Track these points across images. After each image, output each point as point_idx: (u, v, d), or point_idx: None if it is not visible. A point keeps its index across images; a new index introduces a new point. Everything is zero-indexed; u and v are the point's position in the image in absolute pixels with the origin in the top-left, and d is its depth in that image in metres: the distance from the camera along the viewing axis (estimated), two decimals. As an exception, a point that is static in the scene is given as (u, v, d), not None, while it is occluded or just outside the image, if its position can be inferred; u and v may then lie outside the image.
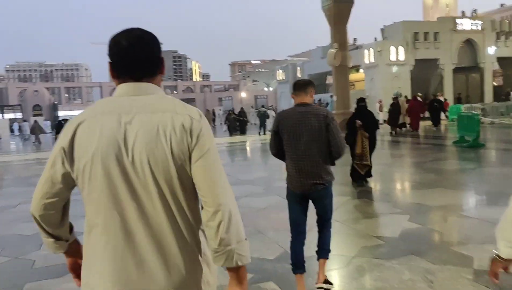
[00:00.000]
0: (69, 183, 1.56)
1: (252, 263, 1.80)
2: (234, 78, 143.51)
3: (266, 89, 78.08)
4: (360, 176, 8.79)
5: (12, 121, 54.46)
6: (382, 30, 34.75)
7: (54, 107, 62.17)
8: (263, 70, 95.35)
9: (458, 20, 34.30)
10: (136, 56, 1.57)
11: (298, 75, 43.36)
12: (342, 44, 23.67)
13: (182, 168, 1.50)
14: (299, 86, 3.60)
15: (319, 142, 3.42)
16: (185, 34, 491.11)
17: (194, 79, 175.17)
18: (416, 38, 32.39)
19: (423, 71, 32.48)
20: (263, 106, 30.64)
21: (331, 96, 36.46)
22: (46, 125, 42.66)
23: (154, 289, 1.47)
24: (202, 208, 1.53)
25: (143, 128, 1.48)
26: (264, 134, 26.70)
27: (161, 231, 1.49)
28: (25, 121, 51.21)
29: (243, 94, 65.86)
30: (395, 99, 22.01)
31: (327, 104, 28.73)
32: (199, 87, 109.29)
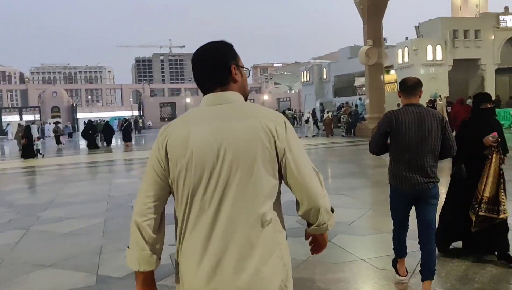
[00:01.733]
0: (167, 188, 1.68)
1: None
2: (256, 80, 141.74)
3: (288, 91, 75.89)
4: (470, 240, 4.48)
5: (30, 122, 53.59)
6: (417, 27, 32.07)
7: (73, 109, 61.36)
8: (286, 72, 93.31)
9: (501, 17, 31.36)
10: (203, 68, 1.73)
11: (324, 76, 40.96)
12: (377, 40, 21.27)
13: (270, 171, 1.62)
14: (410, 87, 3.56)
15: (434, 143, 3.46)
16: (207, 38, 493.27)
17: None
18: (455, 36, 29.67)
19: (463, 72, 29.76)
20: (289, 109, 28.41)
21: (360, 99, 34.15)
22: (68, 128, 41.18)
23: (235, 287, 1.57)
24: (297, 204, 1.70)
25: (232, 134, 1.60)
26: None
27: (247, 233, 1.59)
28: (44, 123, 50.11)
29: (265, 97, 63.72)
30: (432, 102, 19.38)
31: (356, 106, 26.23)
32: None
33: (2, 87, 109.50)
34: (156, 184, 1.66)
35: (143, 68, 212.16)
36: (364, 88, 40.93)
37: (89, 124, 23.15)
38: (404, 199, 3.61)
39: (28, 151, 18.00)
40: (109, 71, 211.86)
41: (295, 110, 34.32)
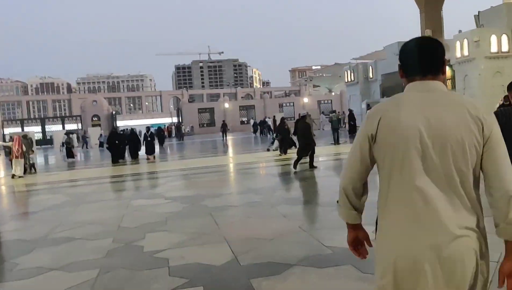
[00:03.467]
0: (372, 162, 1.87)
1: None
2: (294, 84, 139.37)
3: (329, 93, 73.05)
4: None
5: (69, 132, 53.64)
6: (476, 16, 28.70)
7: (113, 117, 61.31)
8: (325, 74, 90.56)
9: None
10: (424, 55, 1.83)
11: (370, 75, 38.06)
12: (437, 30, 18.68)
13: (473, 155, 1.72)
14: None
15: None
16: (246, 42, 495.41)
17: (254, 87, 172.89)
18: (524, 23, 26.14)
19: (532, 64, 26.14)
20: (333, 111, 25.93)
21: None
22: (102, 137, 40.64)
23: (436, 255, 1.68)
24: (488, 194, 1.75)
25: (441, 119, 1.72)
26: (338, 143, 22.13)
27: (446, 209, 1.70)
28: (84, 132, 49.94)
29: (305, 100, 61.21)
30: (507, 98, 16.38)
31: None
32: (258, 93, 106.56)
33: (47, 97, 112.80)
34: (362, 159, 1.86)
35: (183, 75, 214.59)
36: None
37: (114, 134, 20.29)
38: None
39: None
40: (150, 79, 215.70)
41: (339, 112, 31.78)
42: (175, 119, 65.67)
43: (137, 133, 23.29)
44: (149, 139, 19.61)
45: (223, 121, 42.10)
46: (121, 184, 13.20)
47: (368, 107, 35.90)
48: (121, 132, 25.24)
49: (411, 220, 1.71)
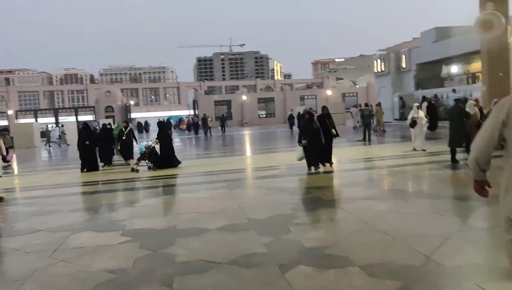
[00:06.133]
0: (497, 141, 2.58)
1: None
2: (316, 76, 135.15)
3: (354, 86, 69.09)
4: None
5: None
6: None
7: (127, 108, 58.92)
8: (348, 67, 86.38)
9: None
10: None
11: (403, 65, 34.11)
12: (502, 5, 14.83)
13: None
14: None
15: None
16: (267, 34, 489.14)
17: (274, 79, 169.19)
18: None
19: None
20: (366, 105, 22.36)
21: (454, 91, 27.22)
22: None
23: None
24: None
25: None
26: (368, 141, 18.78)
27: None
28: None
29: (329, 92, 57.38)
30: None
31: (459, 99, 19.09)
32: (279, 86, 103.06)
33: (64, 88, 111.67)
34: (492, 139, 2.57)
35: (204, 68, 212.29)
36: (454, 79, 33.86)
37: (84, 131, 14.71)
38: None
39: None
40: (172, 71, 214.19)
41: (370, 105, 28.04)
42: (192, 112, 62.84)
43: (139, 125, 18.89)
44: (124, 138, 15.09)
45: (204, 114, 38.49)
46: (78, 198, 10.09)
47: (401, 100, 32.02)
48: (97, 128, 20.57)
49: None
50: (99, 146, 15.00)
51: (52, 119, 54.87)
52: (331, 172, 10.69)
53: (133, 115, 64.50)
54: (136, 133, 18.99)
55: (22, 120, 53.78)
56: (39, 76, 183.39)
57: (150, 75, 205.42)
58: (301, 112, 18.94)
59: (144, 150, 13.34)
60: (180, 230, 6.09)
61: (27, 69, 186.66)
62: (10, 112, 54.18)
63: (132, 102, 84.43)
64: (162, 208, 7.54)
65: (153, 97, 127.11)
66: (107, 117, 54.17)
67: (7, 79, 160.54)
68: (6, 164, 17.86)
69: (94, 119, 55.08)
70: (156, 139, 13.68)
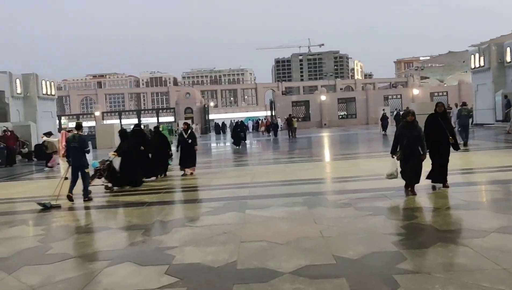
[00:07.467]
0: None
1: None
2: (399, 75, 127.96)
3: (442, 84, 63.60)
4: None
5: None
6: None
7: (205, 110, 59.30)
8: (434, 65, 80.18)
9: None
10: None
11: (507, 59, 29.86)
12: None
13: None
14: None
15: None
16: (347, 33, 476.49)
17: (355, 79, 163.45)
18: None
19: None
20: (463, 104, 19.39)
21: None
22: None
23: None
24: None
25: None
26: (465, 144, 16.04)
27: None
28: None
29: (415, 91, 53.14)
30: None
31: None
32: (360, 85, 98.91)
33: (147, 90, 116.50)
34: None
35: (282, 69, 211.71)
36: None
37: (158, 134, 13.55)
38: None
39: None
40: (250, 73, 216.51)
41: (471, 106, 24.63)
42: (269, 113, 61.75)
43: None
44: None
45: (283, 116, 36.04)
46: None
47: (506, 99, 27.96)
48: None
49: None
50: (153, 154, 12.32)
51: (136, 120, 56.81)
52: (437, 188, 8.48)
53: (211, 116, 64.92)
54: (213, 134, 17.36)
55: (108, 121, 56.32)
56: (127, 79, 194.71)
57: (230, 77, 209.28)
58: (400, 112, 16.21)
59: (98, 165, 10.98)
60: (241, 271, 4.50)
61: (117, 73, 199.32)
62: (97, 113, 56.90)
63: (212, 104, 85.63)
64: (224, 232, 6.03)
65: (231, 98, 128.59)
66: (186, 118, 54.78)
67: (99, 83, 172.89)
68: (47, 168, 17.30)
69: (175, 120, 56.01)
70: (114, 152, 11.18)
